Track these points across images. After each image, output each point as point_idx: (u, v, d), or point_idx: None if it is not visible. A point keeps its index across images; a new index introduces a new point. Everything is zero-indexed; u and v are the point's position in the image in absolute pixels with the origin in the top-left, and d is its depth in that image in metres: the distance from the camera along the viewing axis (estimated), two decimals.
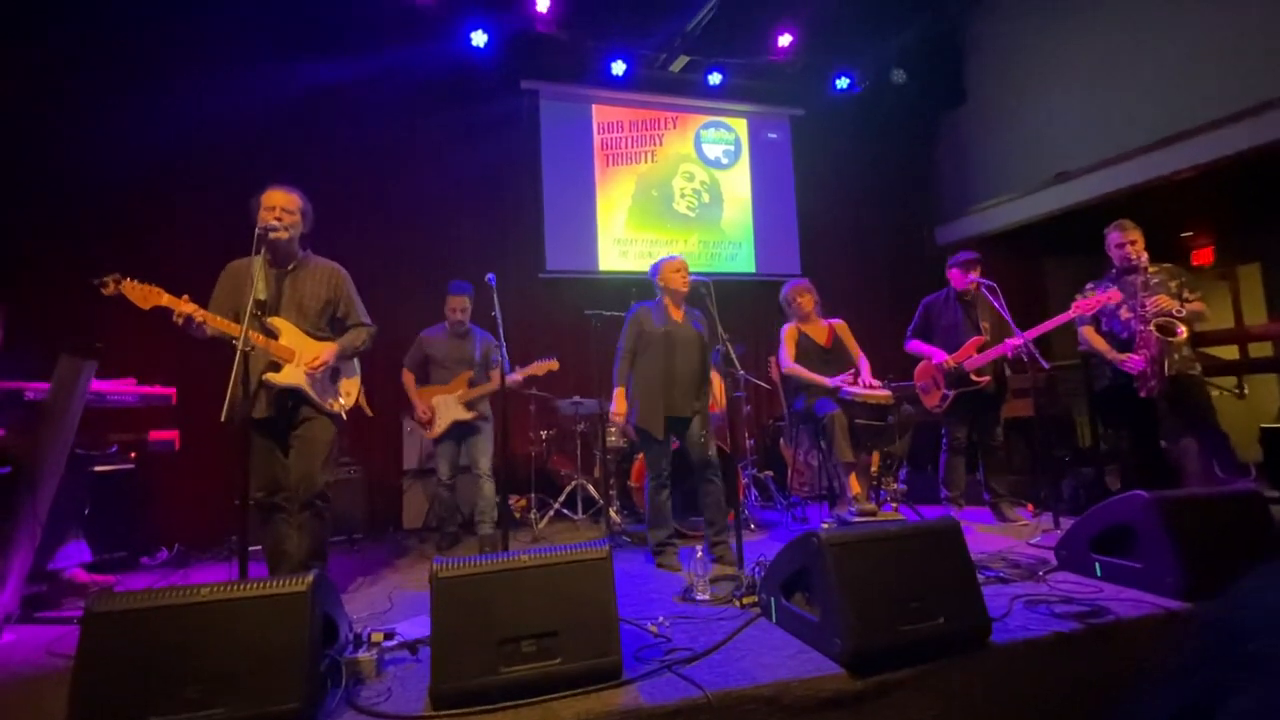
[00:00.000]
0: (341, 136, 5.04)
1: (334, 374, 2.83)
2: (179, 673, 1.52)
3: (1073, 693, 1.90)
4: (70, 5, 4.34)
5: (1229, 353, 6.37)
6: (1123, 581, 2.38)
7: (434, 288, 4.24)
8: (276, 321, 2.66)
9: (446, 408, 3.82)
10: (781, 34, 5.87)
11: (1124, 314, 3.51)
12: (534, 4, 5.10)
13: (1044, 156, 5.79)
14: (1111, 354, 3.52)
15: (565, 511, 4.58)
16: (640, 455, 4.15)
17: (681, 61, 5.83)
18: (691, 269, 3.38)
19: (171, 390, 3.28)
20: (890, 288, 6.51)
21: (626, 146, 6.06)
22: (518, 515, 4.56)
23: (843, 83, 6.41)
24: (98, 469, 3.47)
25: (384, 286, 4.68)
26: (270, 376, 2.60)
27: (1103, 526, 2.52)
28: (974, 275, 3.91)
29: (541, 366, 3.98)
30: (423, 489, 4.59)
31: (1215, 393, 3.81)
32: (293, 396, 2.68)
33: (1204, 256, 6.78)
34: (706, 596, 2.49)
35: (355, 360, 2.96)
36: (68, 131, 4.27)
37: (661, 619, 2.22)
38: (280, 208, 2.64)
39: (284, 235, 2.62)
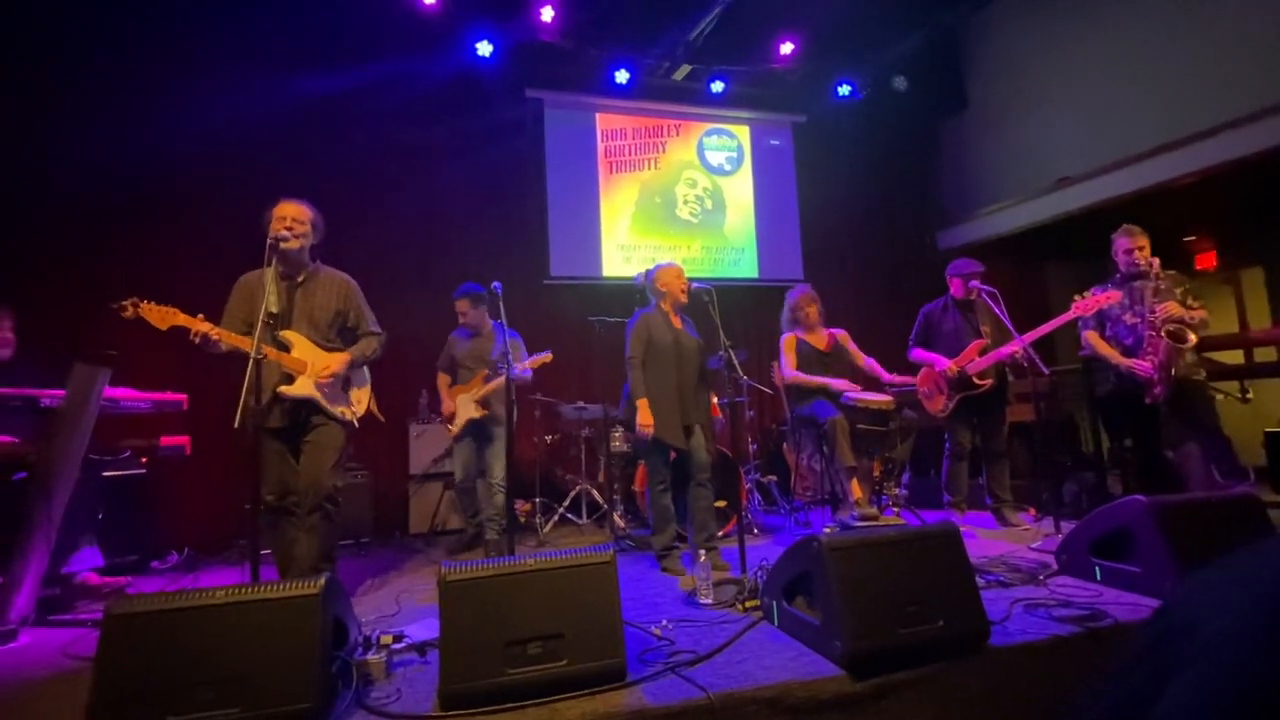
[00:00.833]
0: (348, 145, 5.10)
1: (345, 383, 2.89)
2: (195, 673, 1.56)
3: (1071, 696, 1.92)
4: (85, 14, 4.42)
5: (1233, 357, 6.35)
6: (1122, 585, 2.40)
7: (440, 294, 4.30)
8: (289, 335, 2.72)
9: (463, 406, 3.89)
10: (783, 42, 5.92)
11: (1129, 319, 3.51)
12: (539, 14, 5.17)
13: (1045, 162, 5.81)
14: (1116, 358, 3.51)
15: (570, 516, 4.62)
16: (644, 461, 4.18)
17: (684, 70, 5.89)
18: (694, 275, 3.38)
19: (183, 396, 3.34)
20: (892, 293, 6.53)
21: (630, 154, 6.11)
22: (523, 520, 4.59)
23: (844, 90, 6.46)
24: (109, 474, 3.53)
25: (390, 293, 4.72)
26: (284, 389, 2.67)
27: (1102, 531, 2.54)
28: (975, 285, 3.93)
29: (537, 360, 4.01)
30: (429, 494, 4.63)
31: (1220, 397, 3.80)
32: (305, 406, 2.74)
33: (1207, 261, 6.77)
34: (709, 600, 2.52)
35: (365, 369, 3.02)
36: (78, 140, 4.34)
37: (665, 622, 2.26)
38: (291, 219, 2.71)
39: (295, 245, 2.69)
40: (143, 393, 3.16)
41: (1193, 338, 3.28)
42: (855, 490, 3.64)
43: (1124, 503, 2.46)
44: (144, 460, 3.78)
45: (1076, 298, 3.61)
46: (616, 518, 4.24)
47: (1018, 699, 1.88)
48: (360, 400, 2.95)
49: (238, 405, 2.28)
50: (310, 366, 2.72)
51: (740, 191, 6.42)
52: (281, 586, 1.70)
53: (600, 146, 6.02)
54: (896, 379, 3.88)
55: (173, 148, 4.50)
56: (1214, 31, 4.63)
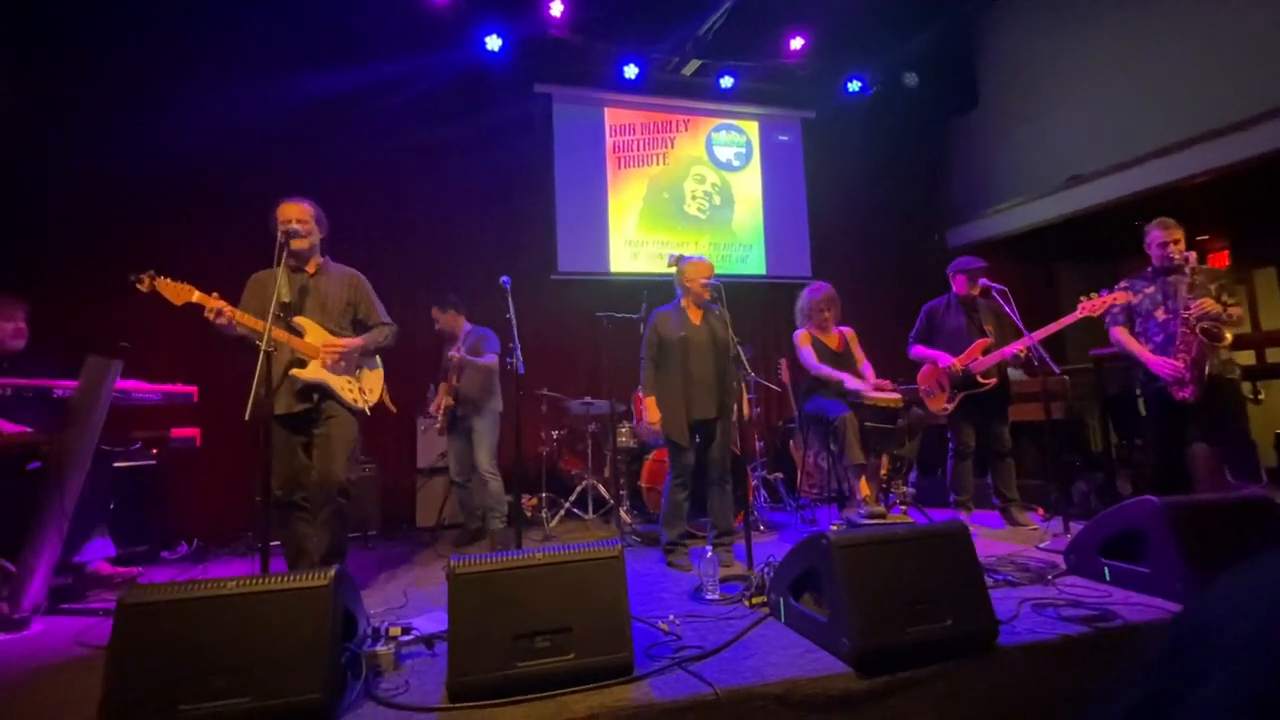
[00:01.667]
0: (357, 140, 5.11)
1: (357, 371, 2.92)
2: (206, 663, 1.57)
3: (1079, 696, 1.91)
4: (98, 12, 4.44)
5: (1245, 357, 6.28)
6: (1131, 586, 2.39)
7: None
8: (301, 320, 2.77)
9: (441, 397, 3.97)
10: (793, 37, 5.89)
11: (1160, 315, 3.38)
12: (548, 9, 5.16)
13: (1056, 160, 5.76)
14: (1147, 355, 3.39)
15: (576, 511, 4.63)
16: (650, 456, 4.19)
17: (693, 65, 5.86)
18: None
19: (193, 389, 3.36)
20: (901, 290, 6.48)
21: (638, 149, 6.09)
22: (529, 514, 4.61)
23: (854, 86, 6.42)
24: (121, 465, 3.56)
25: (398, 289, 4.74)
26: (296, 371, 2.71)
27: (1112, 531, 2.52)
28: (985, 282, 3.89)
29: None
30: (435, 488, 4.65)
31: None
32: (317, 391, 2.77)
33: (1219, 260, 6.70)
34: (716, 596, 2.52)
35: (379, 359, 3.06)
36: (89, 137, 4.37)
37: (672, 617, 2.26)
38: (295, 219, 2.76)
39: (305, 244, 2.77)
40: (154, 385, 3.18)
41: (1228, 336, 3.16)
42: (863, 488, 3.64)
43: (1136, 503, 2.44)
44: (155, 451, 3.82)
45: (1083, 299, 3.54)
46: (623, 513, 4.25)
47: (1026, 698, 1.87)
48: (374, 388, 2.99)
49: (248, 398, 2.29)
50: (321, 352, 2.76)
51: (749, 187, 6.40)
52: (292, 578, 1.71)
53: (609, 142, 6.00)
54: (880, 394, 3.83)
55: (184, 146, 4.53)
56: (1225, 31, 4.57)
